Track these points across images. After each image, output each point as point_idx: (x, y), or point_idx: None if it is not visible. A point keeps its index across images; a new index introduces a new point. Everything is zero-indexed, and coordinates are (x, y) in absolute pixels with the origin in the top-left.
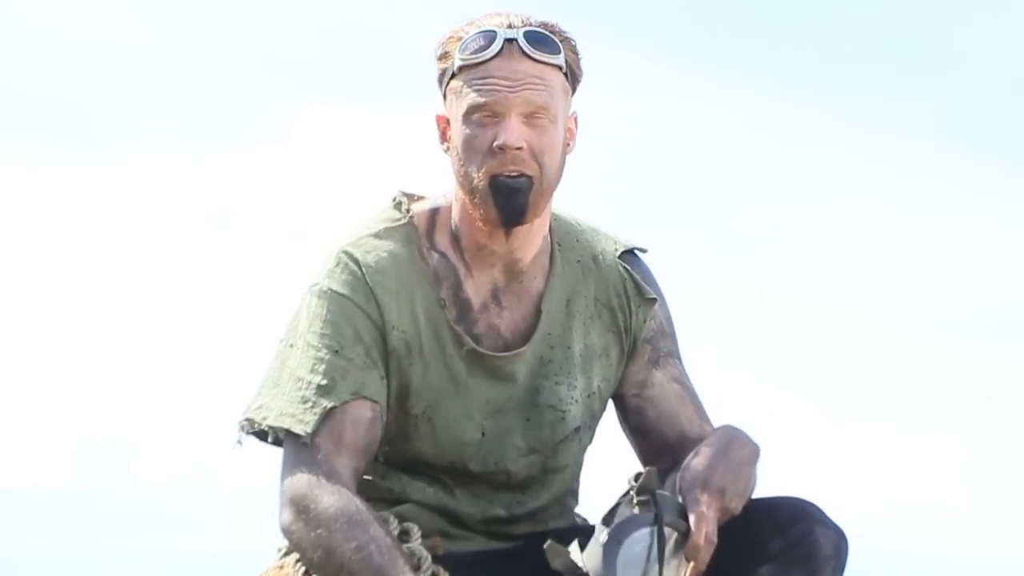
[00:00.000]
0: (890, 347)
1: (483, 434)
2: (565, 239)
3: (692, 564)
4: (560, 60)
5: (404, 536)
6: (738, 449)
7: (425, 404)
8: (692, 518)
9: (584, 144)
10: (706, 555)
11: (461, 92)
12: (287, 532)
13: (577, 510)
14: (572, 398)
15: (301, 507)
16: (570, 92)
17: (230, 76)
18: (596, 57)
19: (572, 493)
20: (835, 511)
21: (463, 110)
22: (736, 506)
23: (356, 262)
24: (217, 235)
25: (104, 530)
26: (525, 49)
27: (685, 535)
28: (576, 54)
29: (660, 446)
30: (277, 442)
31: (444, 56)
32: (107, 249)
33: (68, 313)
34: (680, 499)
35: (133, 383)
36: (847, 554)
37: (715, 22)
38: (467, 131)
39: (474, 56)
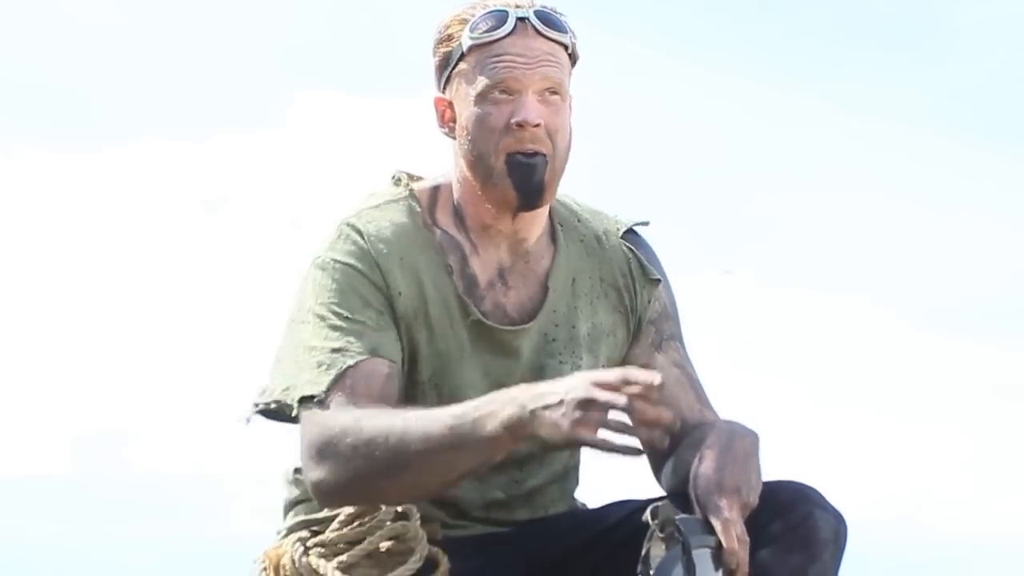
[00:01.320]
0: (889, 335)
1: None
2: (566, 220)
3: (735, 570)
4: (567, 39)
5: (402, 517)
6: (739, 442)
7: (431, 370)
8: (718, 527)
9: (582, 130)
10: (744, 555)
11: (473, 73)
12: (323, 488)
13: (577, 493)
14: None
15: (327, 454)
16: (570, 73)
17: (227, 63)
18: (594, 43)
19: (572, 471)
20: (834, 497)
21: (477, 89)
22: (754, 499)
23: (359, 232)
24: (213, 222)
25: (103, 518)
26: (537, 27)
27: (719, 547)
28: (574, 37)
29: None
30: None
31: (448, 39)
32: (103, 237)
33: (65, 301)
34: (700, 512)
35: (131, 371)
36: (846, 538)
37: (712, 9)
38: (480, 110)
39: (487, 35)
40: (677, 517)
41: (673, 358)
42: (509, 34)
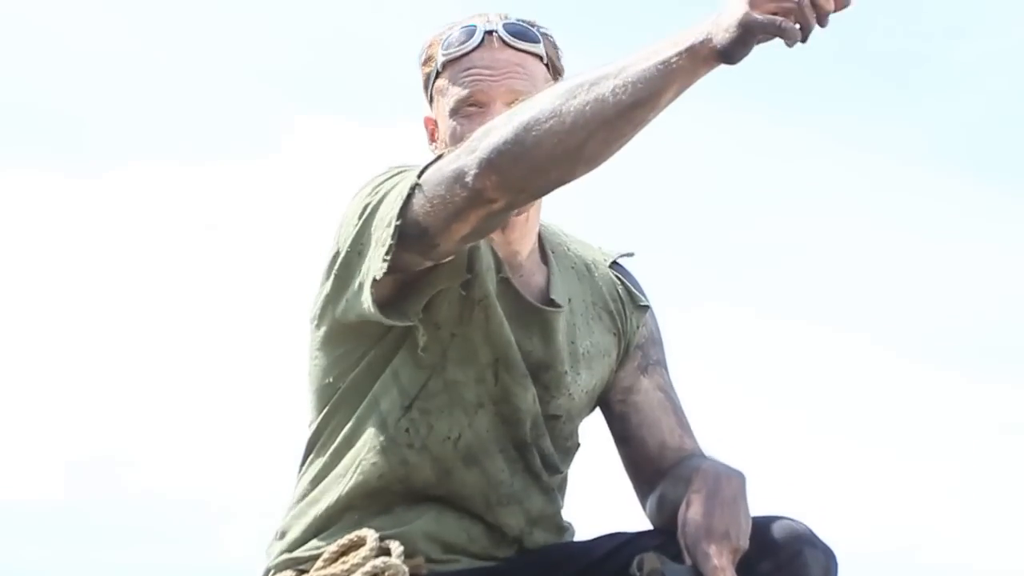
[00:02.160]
0: (887, 369)
1: (495, 378)
2: (556, 247)
3: None
4: (540, 50)
5: (384, 552)
6: (726, 485)
7: (484, 293)
8: (707, 574)
9: None
10: None
11: (446, 89)
12: (487, 164)
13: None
14: (563, 391)
15: (475, 145)
16: (548, 82)
17: (225, 88)
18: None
19: (556, 490)
20: (830, 533)
21: (450, 106)
22: (744, 543)
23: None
24: (209, 248)
25: (97, 543)
26: (505, 39)
27: None
28: (556, 48)
29: (641, 454)
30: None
31: (428, 60)
32: (100, 261)
33: (60, 325)
34: (688, 560)
35: (125, 395)
36: (837, 575)
37: None
38: (454, 124)
39: (456, 50)
40: (664, 568)
41: (657, 382)
42: (476, 48)
